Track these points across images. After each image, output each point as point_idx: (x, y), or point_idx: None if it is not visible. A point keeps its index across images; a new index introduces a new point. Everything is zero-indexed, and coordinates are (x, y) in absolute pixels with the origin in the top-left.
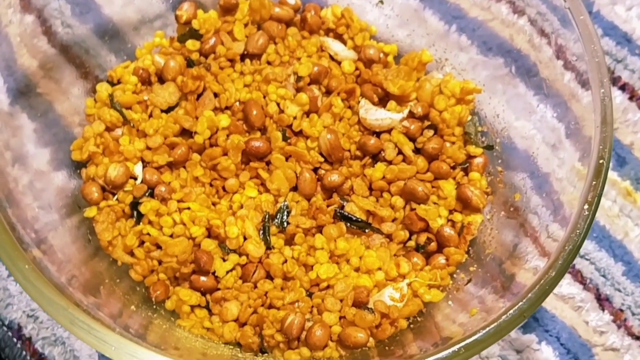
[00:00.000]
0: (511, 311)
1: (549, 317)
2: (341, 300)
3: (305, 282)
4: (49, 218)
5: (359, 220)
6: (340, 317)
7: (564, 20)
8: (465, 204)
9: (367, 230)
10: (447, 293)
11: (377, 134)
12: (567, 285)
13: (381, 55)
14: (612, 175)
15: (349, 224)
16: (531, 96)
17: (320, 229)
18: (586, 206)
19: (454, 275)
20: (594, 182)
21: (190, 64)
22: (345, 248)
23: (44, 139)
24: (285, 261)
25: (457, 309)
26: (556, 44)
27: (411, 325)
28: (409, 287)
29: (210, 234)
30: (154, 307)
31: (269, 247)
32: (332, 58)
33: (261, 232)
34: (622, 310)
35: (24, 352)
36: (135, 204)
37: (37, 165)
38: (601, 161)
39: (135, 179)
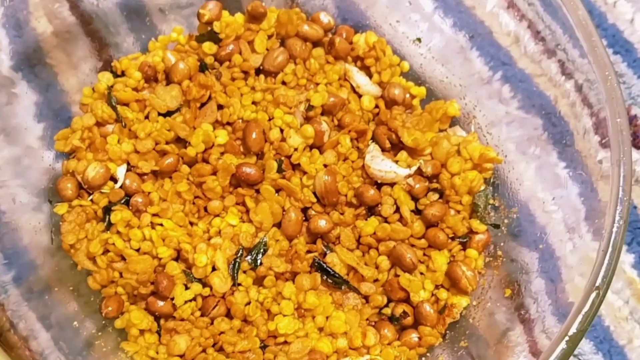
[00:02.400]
0: None
1: None
2: None
3: (263, 332)
4: (25, 199)
5: (337, 275)
6: None
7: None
8: (453, 283)
9: (343, 287)
10: None
11: (379, 185)
12: None
13: (407, 96)
14: (632, 273)
15: (325, 277)
16: (561, 168)
17: (294, 275)
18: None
19: (423, 358)
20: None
21: (202, 67)
22: (314, 303)
23: (42, 113)
24: (249, 303)
25: None
26: (597, 117)
27: None
28: None
29: (178, 256)
30: (102, 322)
31: (235, 284)
32: (353, 89)
33: (231, 266)
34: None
35: None
36: (108, 209)
37: (29, 141)
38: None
39: (116, 181)
